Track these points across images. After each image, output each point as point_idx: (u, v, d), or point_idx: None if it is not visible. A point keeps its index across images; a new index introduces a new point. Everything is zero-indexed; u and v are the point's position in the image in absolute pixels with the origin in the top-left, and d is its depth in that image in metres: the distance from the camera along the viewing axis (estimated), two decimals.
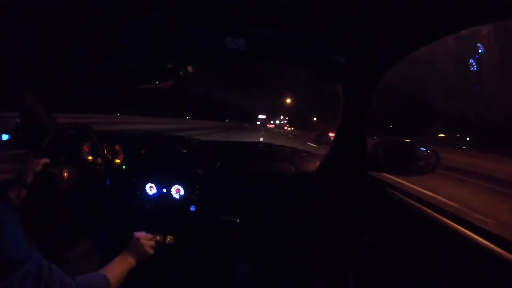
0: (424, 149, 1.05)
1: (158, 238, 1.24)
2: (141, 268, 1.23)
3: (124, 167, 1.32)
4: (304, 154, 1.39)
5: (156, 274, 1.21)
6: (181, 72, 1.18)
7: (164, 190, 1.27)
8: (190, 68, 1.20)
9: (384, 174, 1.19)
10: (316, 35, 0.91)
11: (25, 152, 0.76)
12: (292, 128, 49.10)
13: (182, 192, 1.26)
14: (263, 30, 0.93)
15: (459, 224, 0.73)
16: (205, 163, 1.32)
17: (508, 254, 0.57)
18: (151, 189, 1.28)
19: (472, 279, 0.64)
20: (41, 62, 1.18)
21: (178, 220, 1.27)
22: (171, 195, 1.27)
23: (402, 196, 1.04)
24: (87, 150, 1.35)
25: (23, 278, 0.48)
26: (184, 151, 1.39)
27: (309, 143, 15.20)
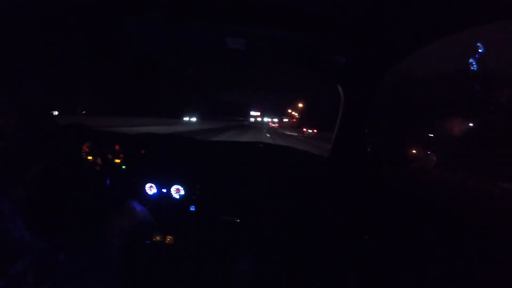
0: (424, 149, 1.06)
1: (158, 238, 1.24)
2: (141, 268, 1.23)
3: (124, 167, 1.32)
4: (305, 154, 1.39)
5: (156, 274, 1.21)
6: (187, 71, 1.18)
7: (164, 190, 1.27)
8: (190, 69, 1.20)
9: (384, 174, 1.20)
10: (316, 35, 0.91)
11: None
12: (315, 130, 30.27)
13: (182, 192, 1.26)
14: (263, 30, 0.93)
15: (459, 224, 0.73)
16: (205, 162, 1.32)
17: (509, 254, 0.57)
18: (151, 189, 1.28)
19: (472, 279, 0.64)
20: (40, 62, 1.18)
21: (178, 220, 1.27)
22: (171, 195, 1.27)
23: (402, 196, 1.04)
24: (87, 150, 1.35)
25: (25, 268, 0.48)
26: (184, 151, 1.39)
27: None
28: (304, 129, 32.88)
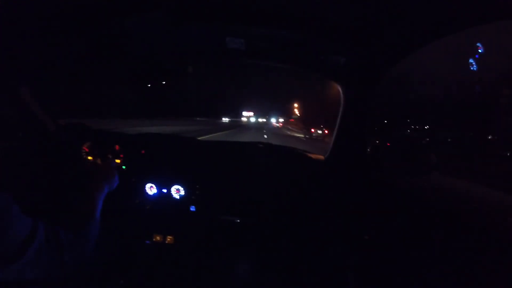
0: (424, 150, 1.06)
1: (158, 238, 1.24)
2: (142, 268, 1.23)
3: (124, 167, 1.32)
4: (305, 154, 1.39)
5: (156, 274, 1.21)
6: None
7: (164, 190, 1.27)
8: (190, 68, 1.20)
9: (384, 174, 1.20)
10: (316, 35, 0.91)
11: None
12: (326, 131, 22.85)
13: (182, 192, 1.26)
14: (263, 30, 0.93)
15: (459, 225, 0.73)
16: (205, 163, 1.32)
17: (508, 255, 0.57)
18: (151, 189, 1.28)
19: (472, 279, 0.64)
20: (40, 63, 1.18)
21: (178, 220, 1.27)
22: (171, 195, 1.27)
23: (402, 196, 1.04)
24: (87, 150, 1.35)
25: (38, 249, 0.54)
26: (184, 151, 1.39)
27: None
28: (312, 130, 26.36)
